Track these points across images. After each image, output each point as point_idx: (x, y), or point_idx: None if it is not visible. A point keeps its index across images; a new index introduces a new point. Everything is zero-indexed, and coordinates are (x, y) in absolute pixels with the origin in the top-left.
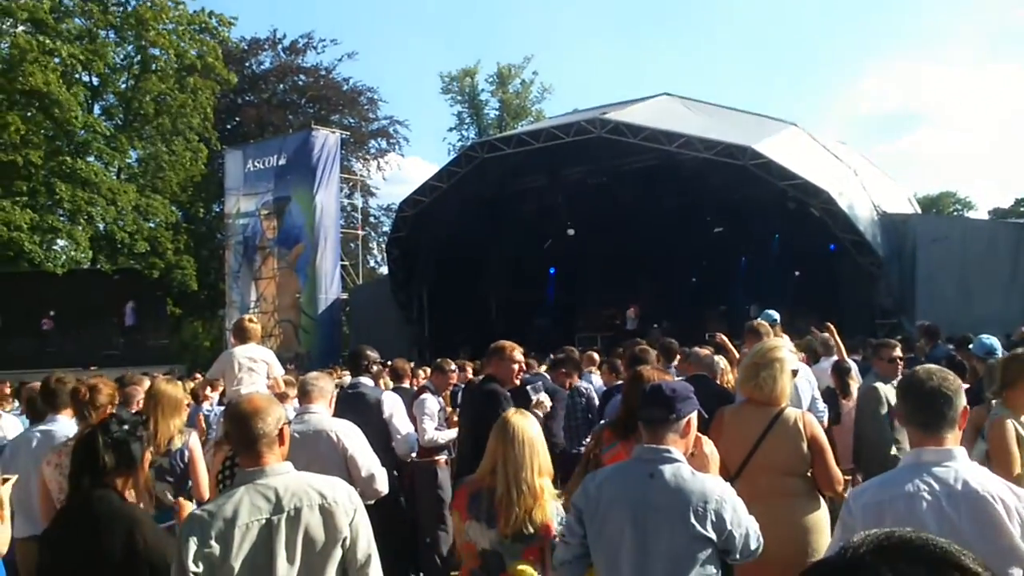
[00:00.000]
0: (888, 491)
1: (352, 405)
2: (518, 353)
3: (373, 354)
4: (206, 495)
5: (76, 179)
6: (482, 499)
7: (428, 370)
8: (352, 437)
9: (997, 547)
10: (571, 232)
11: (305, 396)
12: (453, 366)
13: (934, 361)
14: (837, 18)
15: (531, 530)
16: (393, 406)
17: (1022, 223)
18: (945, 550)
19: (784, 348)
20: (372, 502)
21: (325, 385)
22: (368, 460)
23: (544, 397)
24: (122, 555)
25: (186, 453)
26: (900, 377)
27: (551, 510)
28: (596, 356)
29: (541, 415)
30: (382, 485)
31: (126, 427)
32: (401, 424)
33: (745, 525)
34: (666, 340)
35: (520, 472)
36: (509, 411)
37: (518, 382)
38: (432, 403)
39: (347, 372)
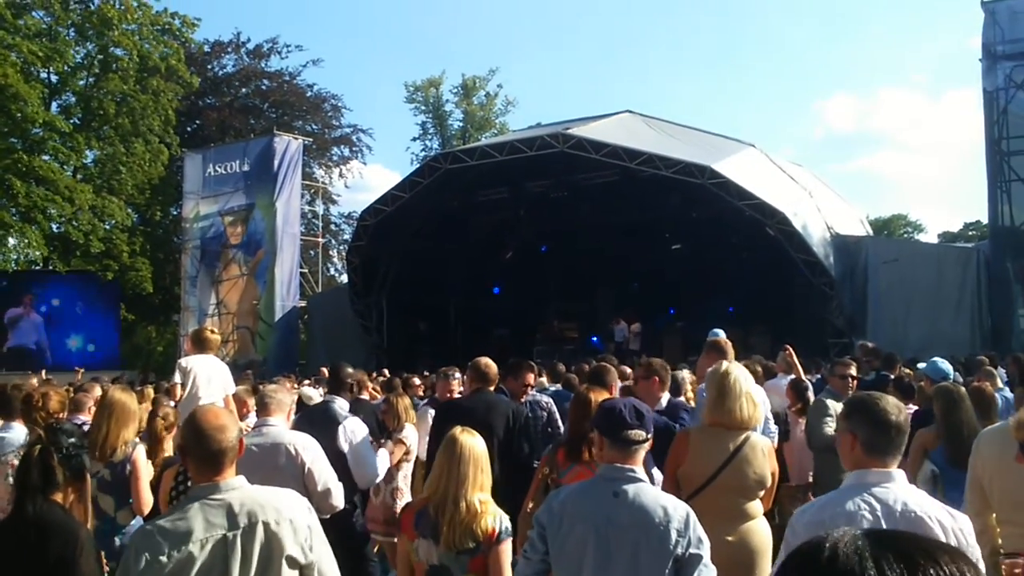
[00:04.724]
0: (830, 510)
1: (317, 422)
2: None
3: (352, 372)
4: (146, 509)
5: (32, 177)
6: (427, 516)
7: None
8: (310, 450)
9: None
10: (543, 249)
11: (263, 409)
12: (457, 373)
13: (874, 386)
14: (796, 42)
15: (472, 544)
16: (353, 435)
17: (970, 247)
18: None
19: (746, 374)
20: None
21: (283, 398)
22: (325, 474)
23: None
24: (58, 570)
25: (128, 466)
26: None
27: (491, 520)
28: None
29: None
30: (338, 500)
31: (72, 440)
32: (361, 453)
33: (705, 546)
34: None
35: (461, 488)
36: (456, 429)
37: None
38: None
39: (305, 383)
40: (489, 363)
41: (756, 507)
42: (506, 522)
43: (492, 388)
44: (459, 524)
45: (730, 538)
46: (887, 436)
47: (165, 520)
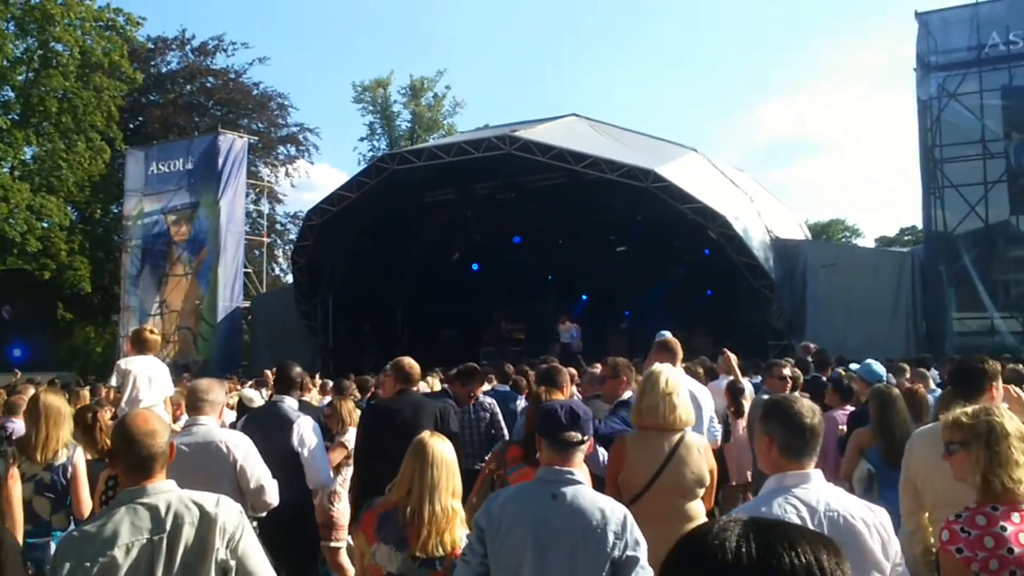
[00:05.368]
0: (757, 514)
1: (268, 422)
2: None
3: (300, 371)
4: (86, 513)
5: None
6: (393, 521)
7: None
8: (241, 447)
9: (863, 564)
10: (490, 250)
11: (194, 408)
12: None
13: (813, 388)
14: (737, 48)
15: (440, 552)
16: (306, 433)
17: (905, 252)
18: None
19: (673, 374)
20: (264, 514)
21: (215, 397)
22: (258, 471)
23: None
24: None
25: (69, 468)
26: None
27: (461, 535)
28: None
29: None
30: (272, 497)
31: None
32: (314, 452)
33: (643, 548)
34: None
35: (435, 493)
36: (424, 433)
37: None
38: None
39: (246, 384)
40: (412, 363)
41: (698, 507)
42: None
43: (415, 388)
44: (434, 529)
45: (671, 538)
46: (802, 438)
47: (90, 525)
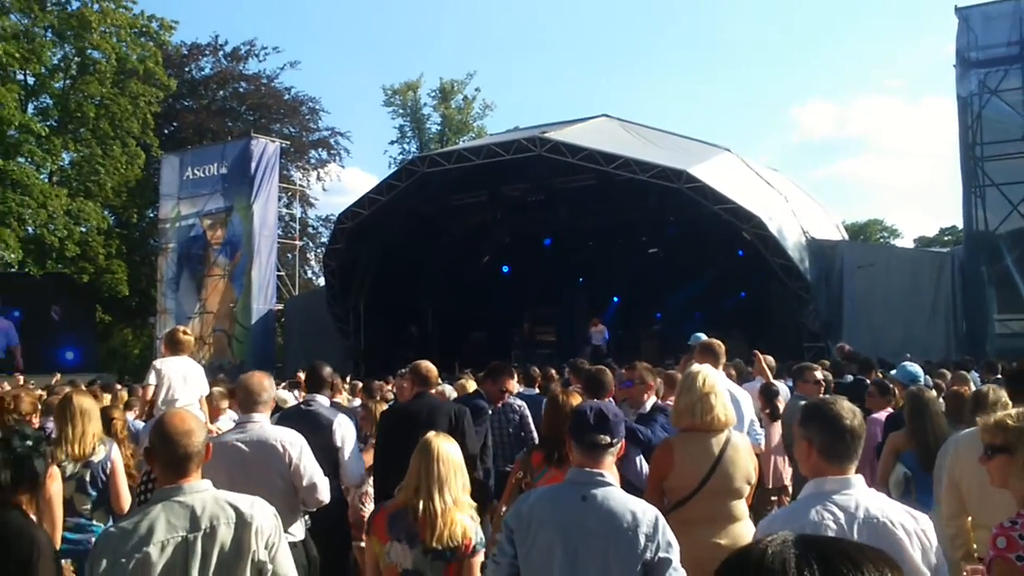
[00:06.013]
0: (795, 521)
1: (303, 422)
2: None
3: (331, 371)
4: (126, 508)
5: (6, 181)
6: (404, 519)
7: (357, 384)
8: (296, 446)
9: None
10: (521, 253)
11: (247, 405)
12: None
13: (851, 389)
14: (774, 47)
15: (453, 544)
16: (346, 431)
17: (945, 252)
18: (851, 551)
19: (712, 373)
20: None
21: (269, 395)
22: (311, 469)
23: None
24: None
25: (108, 465)
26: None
27: (472, 527)
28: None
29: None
30: (324, 494)
31: (29, 442)
32: (351, 451)
33: (675, 549)
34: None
35: (444, 486)
36: (430, 433)
37: None
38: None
39: (280, 385)
40: (430, 366)
41: (742, 507)
42: (481, 534)
43: (432, 391)
44: (442, 521)
45: (721, 541)
46: (843, 442)
47: (127, 522)
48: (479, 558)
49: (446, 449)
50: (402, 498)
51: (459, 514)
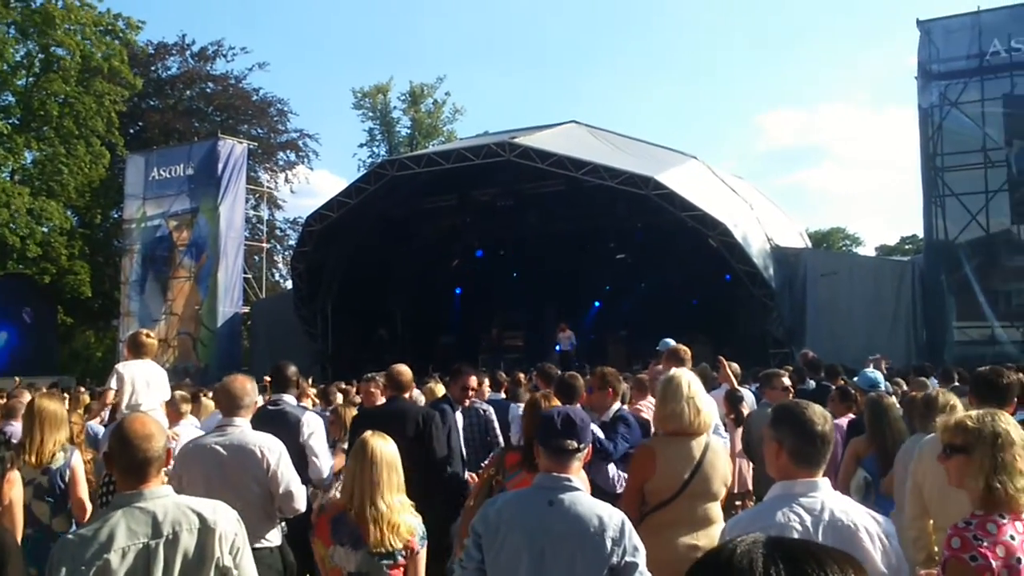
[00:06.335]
0: (761, 522)
1: (271, 422)
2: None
3: (295, 371)
4: (86, 516)
5: None
6: (345, 522)
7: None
8: (275, 452)
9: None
10: (489, 258)
11: (228, 409)
12: (379, 378)
13: (809, 394)
14: (738, 56)
15: (396, 545)
16: (314, 428)
17: (905, 261)
18: (817, 551)
19: (694, 378)
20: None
21: (250, 399)
22: (288, 476)
23: None
24: None
25: (67, 472)
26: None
27: (413, 523)
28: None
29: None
30: (300, 503)
31: None
32: (320, 447)
33: (641, 554)
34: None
35: (376, 491)
36: (366, 433)
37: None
38: None
39: None
40: (403, 370)
41: (718, 510)
42: (422, 530)
43: (406, 395)
44: (384, 524)
45: (700, 543)
46: (812, 446)
47: (86, 529)
48: (423, 552)
49: (381, 449)
50: (342, 501)
51: (400, 514)
